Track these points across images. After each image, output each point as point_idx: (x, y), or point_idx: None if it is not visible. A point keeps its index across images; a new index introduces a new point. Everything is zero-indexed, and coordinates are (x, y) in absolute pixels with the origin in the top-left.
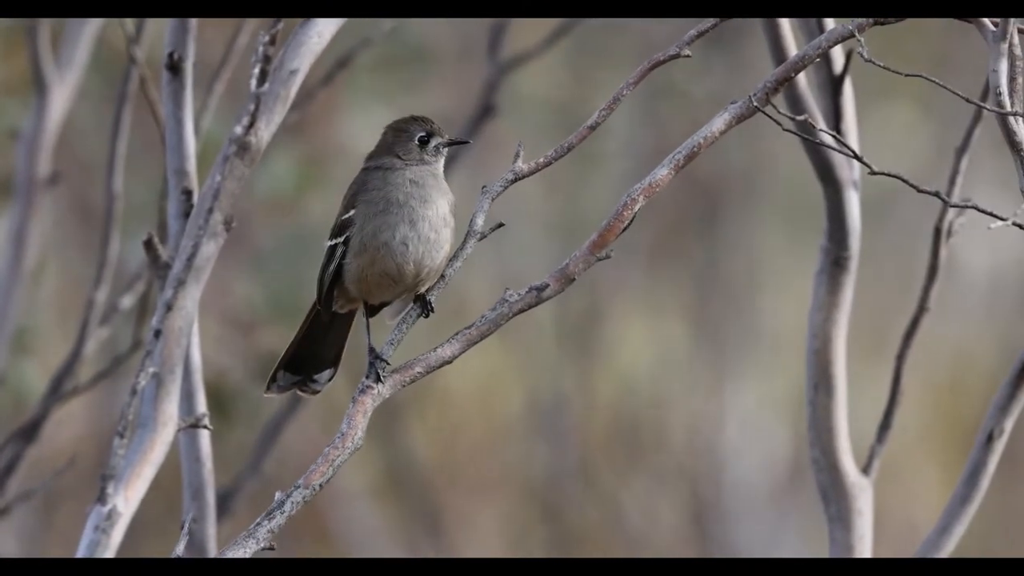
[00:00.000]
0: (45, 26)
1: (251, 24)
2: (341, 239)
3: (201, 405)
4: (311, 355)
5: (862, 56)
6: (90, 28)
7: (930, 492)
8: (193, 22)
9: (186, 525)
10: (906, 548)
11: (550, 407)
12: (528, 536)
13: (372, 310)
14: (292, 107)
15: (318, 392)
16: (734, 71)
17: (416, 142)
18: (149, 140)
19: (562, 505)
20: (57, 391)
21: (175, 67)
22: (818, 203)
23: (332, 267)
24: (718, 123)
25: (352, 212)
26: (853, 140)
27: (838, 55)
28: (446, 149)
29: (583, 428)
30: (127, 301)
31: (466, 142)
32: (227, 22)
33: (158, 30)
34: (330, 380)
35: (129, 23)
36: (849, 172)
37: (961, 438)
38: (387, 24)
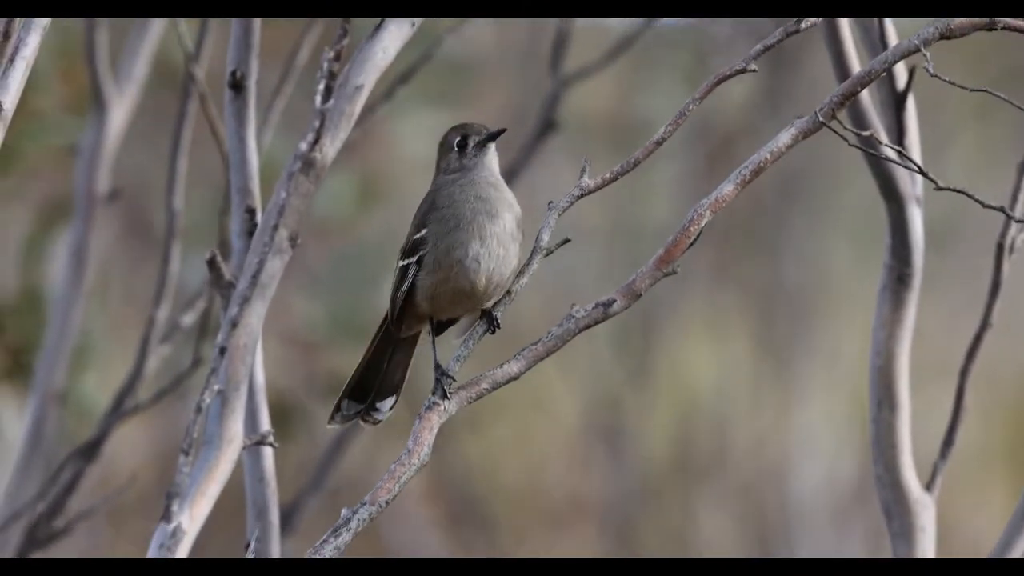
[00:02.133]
0: (104, 42)
1: (312, 39)
2: (414, 259)
3: (265, 423)
4: (375, 380)
5: (928, 71)
6: (149, 43)
7: (993, 509)
8: (256, 39)
9: (252, 544)
10: None
11: (611, 426)
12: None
13: (438, 328)
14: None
15: (379, 422)
16: (793, 88)
17: (455, 150)
18: (209, 157)
19: (625, 525)
20: (118, 409)
21: (238, 85)
22: (882, 219)
23: (406, 286)
24: (784, 138)
25: (424, 231)
26: (916, 156)
27: (901, 71)
28: (491, 145)
29: (645, 447)
30: (188, 319)
31: (503, 130)
32: (287, 36)
33: (217, 46)
34: (391, 409)
35: (188, 39)
36: (912, 188)
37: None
38: (445, 35)
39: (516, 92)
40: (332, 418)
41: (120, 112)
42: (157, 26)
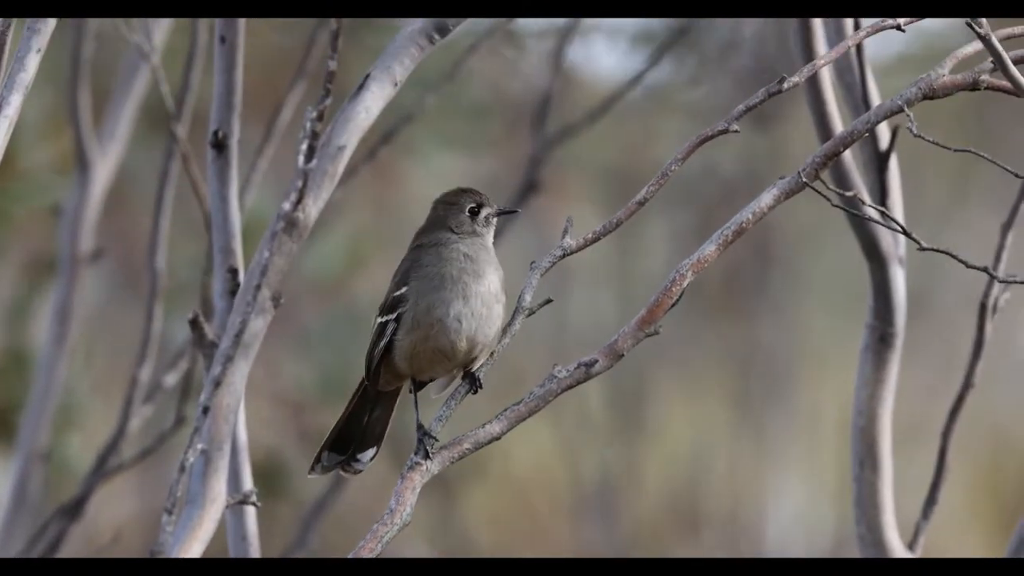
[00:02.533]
0: (86, 101)
1: (294, 99)
2: (393, 316)
3: (248, 482)
4: (356, 433)
5: (911, 131)
6: (132, 102)
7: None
8: (238, 99)
9: None
10: None
11: (597, 486)
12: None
13: (418, 386)
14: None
15: (359, 472)
16: (773, 150)
17: (467, 214)
18: (192, 216)
19: None
20: (102, 468)
21: (220, 145)
22: (858, 280)
23: (382, 343)
24: (766, 198)
25: (405, 289)
26: (899, 216)
27: (884, 131)
28: (495, 219)
29: (630, 507)
30: (171, 379)
31: (515, 211)
32: (269, 96)
33: (200, 104)
34: (372, 460)
35: (171, 100)
36: (895, 248)
37: (1003, 515)
38: (430, 96)
39: (518, 141)
40: (312, 468)
41: (103, 171)
42: (140, 84)
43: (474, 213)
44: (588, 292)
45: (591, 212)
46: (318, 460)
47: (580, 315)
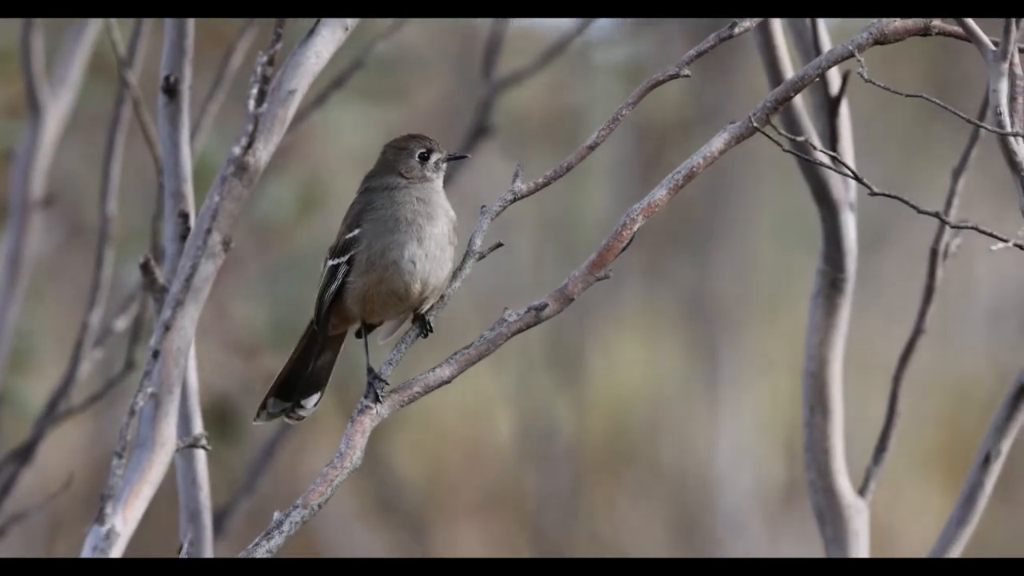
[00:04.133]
0: (39, 46)
1: (245, 44)
2: (345, 258)
3: (198, 426)
4: (301, 379)
5: (862, 76)
6: (83, 48)
7: (927, 514)
8: (189, 44)
9: (184, 546)
10: None
11: (541, 430)
12: (519, 554)
13: (367, 329)
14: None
15: (303, 418)
16: (724, 93)
17: (417, 159)
18: (143, 161)
19: (552, 528)
20: (52, 412)
21: (172, 90)
22: (809, 224)
23: (334, 286)
24: (717, 143)
25: (358, 231)
26: (850, 161)
27: (835, 76)
28: (445, 164)
29: (574, 451)
30: (121, 323)
31: (465, 156)
32: (220, 42)
33: (151, 50)
34: (316, 405)
35: (122, 45)
36: (845, 193)
37: (959, 460)
38: (378, 41)
39: (449, 92)
40: (258, 415)
41: (55, 117)
42: (91, 30)
43: (424, 158)
44: (533, 239)
45: (530, 162)
46: (263, 407)
47: (525, 263)
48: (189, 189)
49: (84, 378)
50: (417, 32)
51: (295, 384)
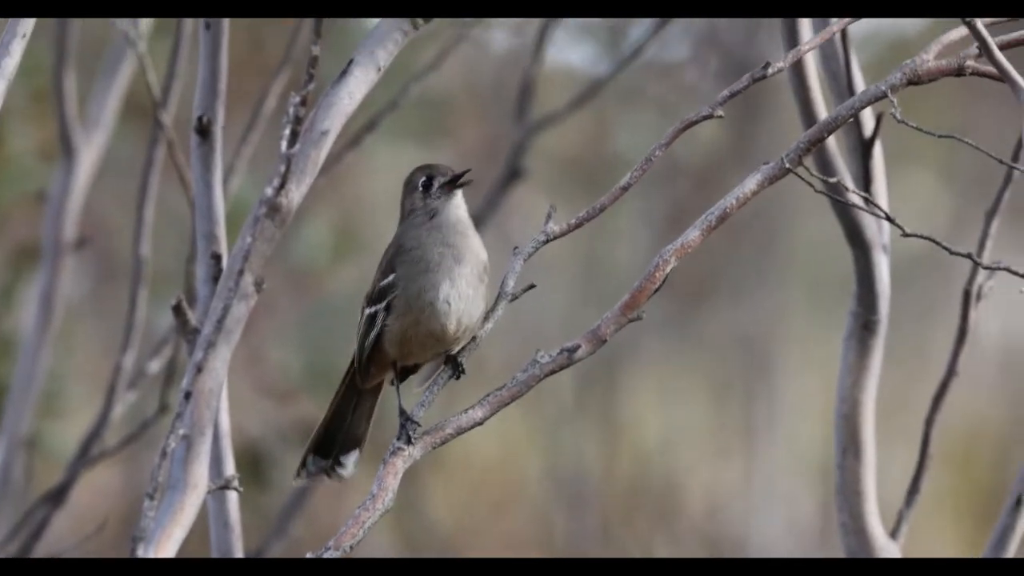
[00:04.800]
0: (72, 87)
1: (279, 86)
2: (382, 304)
3: (230, 468)
4: (339, 434)
5: (894, 117)
6: (117, 90)
7: (947, 555)
8: (223, 85)
9: None
10: None
11: (571, 473)
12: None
13: (401, 376)
14: (321, 171)
15: (344, 479)
16: (757, 135)
17: (420, 189)
18: (177, 203)
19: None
20: (85, 455)
21: (204, 131)
22: (839, 267)
23: (374, 333)
24: (750, 184)
25: (393, 276)
26: (883, 203)
27: (868, 118)
28: (457, 188)
29: (604, 495)
30: (155, 366)
31: (467, 172)
32: (255, 83)
33: (185, 92)
34: (355, 464)
35: (156, 86)
36: (879, 235)
37: (975, 501)
38: (413, 86)
39: (488, 130)
40: (298, 474)
41: (88, 158)
42: (125, 71)
43: (426, 187)
44: (565, 282)
45: (562, 202)
46: (303, 465)
47: (556, 305)
48: (222, 231)
49: (117, 421)
50: (453, 71)
51: (333, 439)
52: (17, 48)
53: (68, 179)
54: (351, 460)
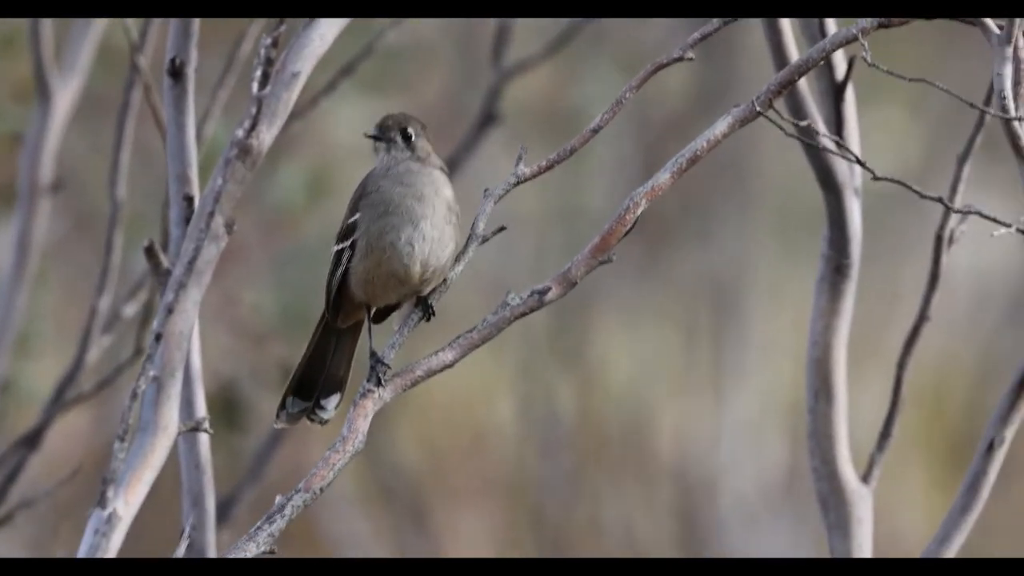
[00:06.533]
0: (48, 31)
1: (255, 31)
2: (347, 243)
3: (202, 410)
4: (319, 375)
5: (865, 60)
6: (93, 33)
7: (916, 498)
8: (195, 27)
9: (186, 531)
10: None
11: (542, 415)
12: (517, 544)
13: (379, 316)
14: (296, 116)
15: (326, 422)
16: (730, 79)
17: (384, 138)
18: (153, 147)
19: (552, 513)
20: (60, 398)
21: (177, 72)
22: (809, 208)
23: (339, 271)
24: (720, 126)
25: (357, 216)
26: (855, 147)
27: (840, 62)
28: (421, 139)
29: (576, 437)
30: (130, 309)
31: (372, 136)
32: (230, 28)
33: (162, 37)
34: (337, 407)
35: (133, 30)
36: (851, 178)
37: (947, 444)
38: (388, 30)
39: (452, 80)
40: (278, 416)
41: (64, 102)
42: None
43: (385, 133)
44: (535, 228)
45: (533, 149)
46: (283, 407)
47: (527, 251)
48: (194, 172)
49: (93, 365)
50: (421, 21)
51: (313, 382)
52: None
53: (44, 122)
54: (332, 403)
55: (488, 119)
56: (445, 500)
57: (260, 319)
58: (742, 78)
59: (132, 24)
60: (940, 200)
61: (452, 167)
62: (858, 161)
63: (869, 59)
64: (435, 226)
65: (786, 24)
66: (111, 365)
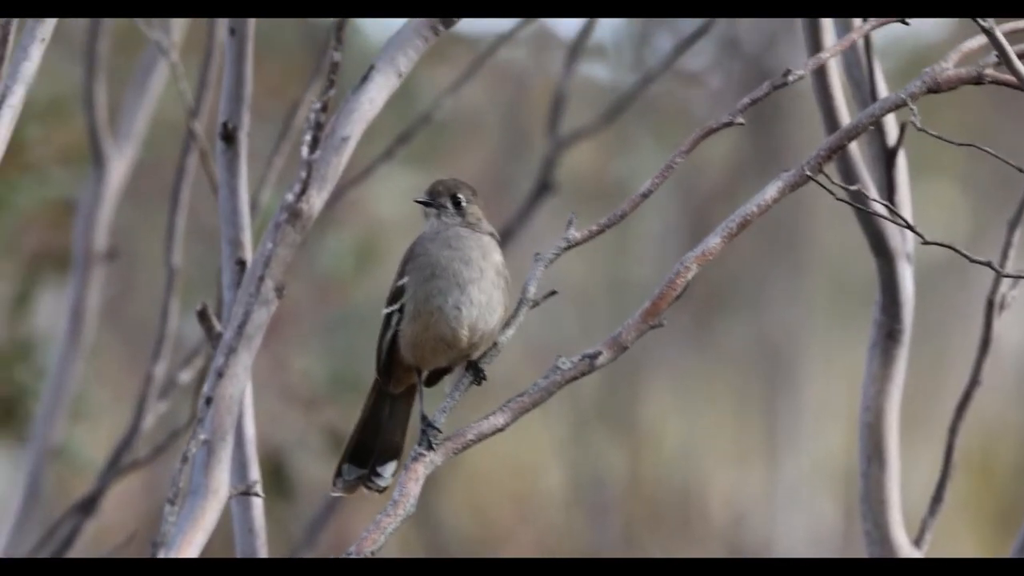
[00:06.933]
0: (102, 96)
1: (309, 99)
2: (396, 306)
3: (255, 474)
4: (374, 442)
5: (914, 125)
6: (148, 99)
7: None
8: (247, 91)
9: None
10: None
11: (592, 480)
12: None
13: (431, 380)
14: (351, 183)
15: (383, 489)
16: (778, 146)
17: (434, 203)
18: (209, 212)
19: None
20: (116, 465)
21: (229, 136)
22: (860, 274)
23: (389, 334)
24: (771, 191)
25: (404, 280)
26: (907, 212)
27: (892, 128)
28: (471, 204)
29: (626, 502)
30: (185, 375)
31: (422, 201)
32: (285, 96)
33: (216, 103)
34: (394, 474)
35: (189, 94)
36: (903, 244)
37: (995, 507)
38: (445, 99)
39: (498, 151)
40: (335, 484)
41: (119, 169)
42: (156, 81)
43: (435, 199)
44: (584, 296)
45: (588, 218)
46: (339, 474)
47: (576, 315)
48: (247, 237)
49: (148, 431)
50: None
51: (369, 448)
52: (36, 52)
53: (98, 189)
54: (389, 470)
55: (543, 188)
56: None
57: (309, 384)
58: (793, 143)
59: (188, 89)
60: (989, 264)
61: (506, 236)
62: (907, 225)
63: (918, 123)
64: (483, 290)
65: (837, 89)
66: (166, 431)
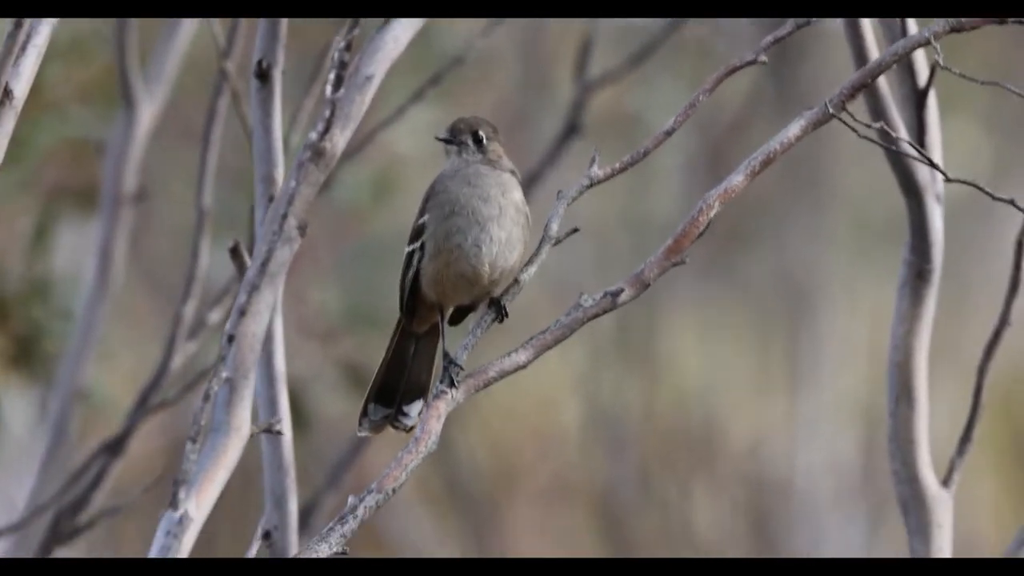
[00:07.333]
0: (133, 39)
1: (339, 38)
2: (417, 244)
3: (285, 411)
4: (399, 381)
5: (938, 64)
6: (180, 42)
7: (986, 502)
8: (282, 29)
9: (259, 530)
10: None
11: (610, 416)
12: (586, 544)
13: (456, 318)
14: (381, 125)
15: (411, 428)
16: (799, 82)
17: (455, 141)
18: (235, 154)
19: (622, 513)
20: (144, 405)
21: (264, 75)
22: (884, 213)
23: (411, 272)
24: (794, 129)
25: (426, 217)
26: (937, 153)
27: (922, 68)
28: (492, 142)
29: (645, 437)
30: (215, 315)
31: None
32: (316, 37)
33: (248, 43)
34: (420, 414)
35: (221, 36)
36: (932, 184)
37: (1018, 446)
38: (477, 38)
39: (516, 90)
40: (361, 424)
41: (149, 110)
42: (188, 24)
43: (447, 141)
44: (604, 234)
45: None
46: (364, 414)
47: (593, 254)
48: (280, 174)
49: (177, 371)
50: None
51: (394, 388)
52: None
53: (128, 131)
54: (415, 410)
55: (571, 130)
56: (512, 501)
57: (327, 317)
58: (809, 84)
59: (220, 28)
60: (1012, 202)
61: (532, 178)
62: (929, 162)
63: (942, 62)
64: (503, 227)
65: (868, 27)
66: (195, 371)
